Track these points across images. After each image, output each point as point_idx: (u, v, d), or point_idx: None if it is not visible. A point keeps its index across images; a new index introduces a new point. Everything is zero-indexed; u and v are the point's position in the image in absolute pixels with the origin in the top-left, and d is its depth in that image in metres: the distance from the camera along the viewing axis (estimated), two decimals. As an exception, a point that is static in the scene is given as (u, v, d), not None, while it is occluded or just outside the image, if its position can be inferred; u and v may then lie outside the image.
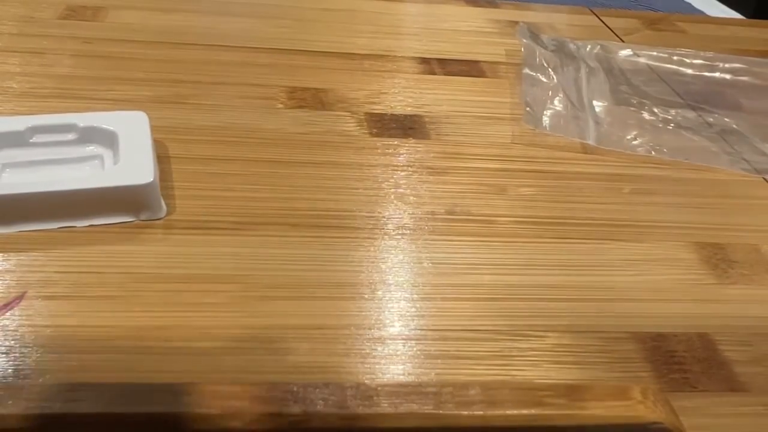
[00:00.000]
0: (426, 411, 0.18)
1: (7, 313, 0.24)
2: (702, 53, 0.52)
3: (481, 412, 0.18)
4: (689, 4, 0.75)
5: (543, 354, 0.26)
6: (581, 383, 0.22)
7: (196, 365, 0.23)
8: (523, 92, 0.45)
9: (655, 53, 0.52)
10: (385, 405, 0.18)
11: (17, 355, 0.23)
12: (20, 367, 0.22)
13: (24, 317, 0.24)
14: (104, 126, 0.32)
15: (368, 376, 0.24)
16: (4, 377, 0.22)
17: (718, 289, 0.30)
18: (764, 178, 0.39)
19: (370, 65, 0.46)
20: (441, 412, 0.18)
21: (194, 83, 0.41)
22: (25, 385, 0.19)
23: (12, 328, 0.24)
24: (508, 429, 0.19)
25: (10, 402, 0.17)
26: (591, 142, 0.40)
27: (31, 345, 0.23)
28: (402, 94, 0.43)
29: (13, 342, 0.23)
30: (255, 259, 0.28)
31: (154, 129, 0.33)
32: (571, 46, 0.52)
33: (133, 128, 0.32)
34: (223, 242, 0.29)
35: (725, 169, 0.39)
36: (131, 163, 0.30)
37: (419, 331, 0.26)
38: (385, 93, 0.43)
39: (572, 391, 0.20)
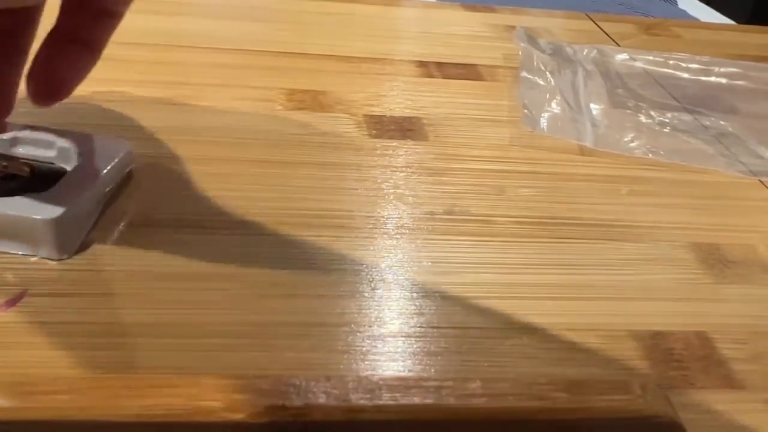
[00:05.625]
0: (427, 403, 0.18)
1: (9, 310, 0.24)
2: (698, 57, 0.53)
3: (483, 405, 0.19)
4: (684, 11, 0.75)
5: (542, 351, 0.26)
6: (582, 378, 0.22)
7: (197, 362, 0.23)
8: (521, 95, 0.45)
9: (651, 57, 0.52)
10: (387, 398, 0.19)
11: (20, 351, 0.23)
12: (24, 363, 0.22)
13: (26, 314, 0.24)
14: (72, 148, 0.30)
15: (368, 372, 0.24)
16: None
17: (715, 288, 0.30)
18: (760, 180, 0.39)
19: (368, 68, 0.47)
20: (442, 404, 0.18)
21: (194, 85, 0.41)
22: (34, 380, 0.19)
23: (13, 325, 0.24)
24: (510, 422, 0.19)
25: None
26: (588, 144, 0.41)
27: (32, 342, 0.23)
28: (400, 97, 0.43)
29: (14, 339, 0.23)
30: (255, 258, 0.29)
31: (154, 130, 0.33)
32: (568, 49, 0.52)
33: (100, 155, 0.30)
34: (223, 241, 0.29)
35: (721, 171, 0.40)
36: (55, 193, 0.27)
37: (419, 329, 0.26)
38: (383, 95, 0.43)
39: (573, 385, 0.20)
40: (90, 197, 0.29)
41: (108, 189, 0.30)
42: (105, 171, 0.30)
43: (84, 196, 0.28)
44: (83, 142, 0.31)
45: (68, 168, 0.30)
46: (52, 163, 0.30)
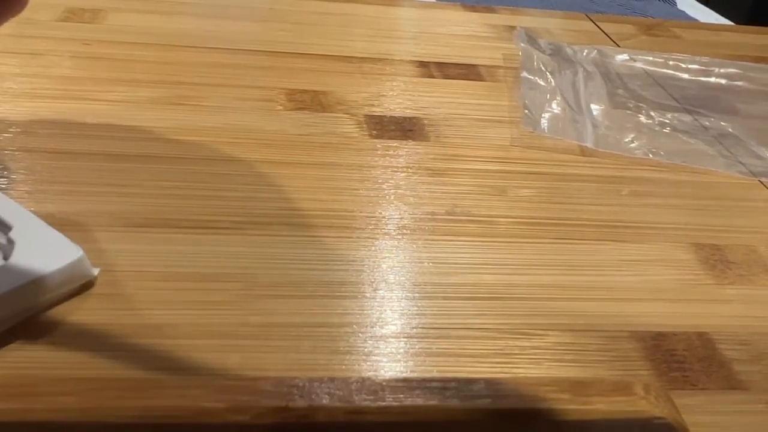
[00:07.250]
0: (431, 405, 0.18)
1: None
2: (697, 58, 0.53)
3: (486, 407, 0.18)
4: (683, 12, 0.75)
5: (544, 352, 0.26)
6: (585, 379, 0.22)
7: (199, 363, 0.23)
8: (521, 95, 0.45)
9: (651, 58, 0.52)
10: (390, 399, 0.19)
11: (23, 353, 0.23)
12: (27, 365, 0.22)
13: (30, 315, 0.24)
14: (19, 242, 0.25)
15: (371, 373, 0.24)
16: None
17: (717, 289, 0.30)
18: (760, 181, 0.39)
19: (368, 68, 0.47)
20: (446, 405, 0.18)
21: (194, 85, 0.41)
22: (37, 381, 0.19)
23: (17, 326, 0.24)
24: (513, 423, 0.19)
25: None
26: (589, 144, 0.41)
27: (35, 343, 0.23)
28: (401, 97, 0.43)
29: (17, 340, 0.23)
30: (256, 259, 0.28)
31: (154, 130, 0.33)
32: (568, 50, 0.52)
33: (40, 260, 0.25)
34: (224, 241, 0.29)
35: (722, 172, 0.40)
36: None
37: (421, 330, 0.26)
38: (384, 95, 0.43)
39: (576, 387, 0.20)
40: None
41: (26, 306, 0.24)
42: (18, 286, 0.24)
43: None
44: (34, 238, 0.26)
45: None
46: None
